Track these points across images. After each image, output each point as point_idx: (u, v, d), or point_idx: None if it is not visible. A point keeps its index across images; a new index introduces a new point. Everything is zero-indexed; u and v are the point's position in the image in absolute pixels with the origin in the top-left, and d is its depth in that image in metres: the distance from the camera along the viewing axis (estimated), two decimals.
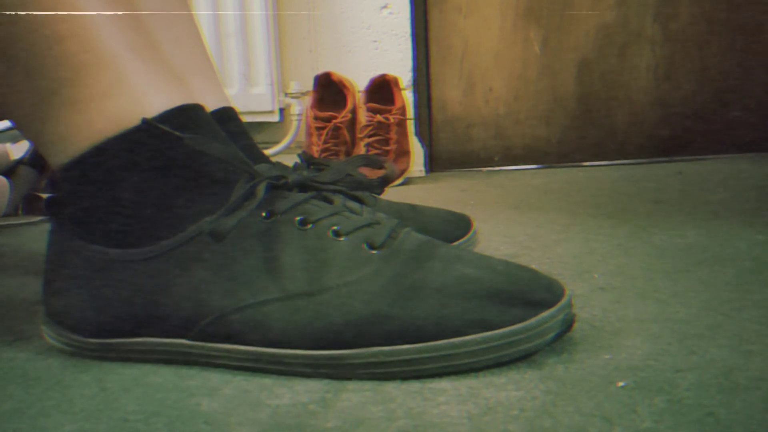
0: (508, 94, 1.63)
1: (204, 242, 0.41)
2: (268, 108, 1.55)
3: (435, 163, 1.68)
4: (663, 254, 0.65)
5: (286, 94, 1.60)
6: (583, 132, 1.59)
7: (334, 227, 0.42)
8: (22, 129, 0.46)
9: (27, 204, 1.12)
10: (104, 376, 0.41)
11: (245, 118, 1.56)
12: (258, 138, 1.63)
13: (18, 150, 1.13)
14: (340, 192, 0.48)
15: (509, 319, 0.38)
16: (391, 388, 0.37)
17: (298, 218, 0.42)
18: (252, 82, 1.55)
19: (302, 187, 0.45)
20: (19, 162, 1.12)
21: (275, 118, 1.57)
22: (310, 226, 0.42)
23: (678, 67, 1.53)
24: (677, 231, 0.75)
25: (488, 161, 1.66)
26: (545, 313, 0.38)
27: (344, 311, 0.38)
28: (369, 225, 0.43)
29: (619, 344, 0.42)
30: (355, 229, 0.42)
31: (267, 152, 1.59)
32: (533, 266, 0.43)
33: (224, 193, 0.42)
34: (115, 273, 0.42)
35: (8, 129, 1.17)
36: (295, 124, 1.60)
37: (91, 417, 0.35)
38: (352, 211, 0.44)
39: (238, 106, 1.65)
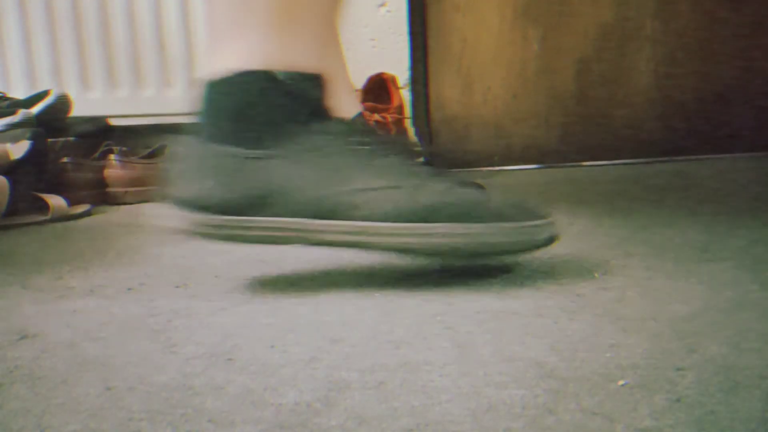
0: (507, 93, 1.63)
1: (315, 147, 0.54)
2: None
3: (434, 163, 1.68)
4: (663, 254, 0.65)
5: None
6: (583, 132, 1.60)
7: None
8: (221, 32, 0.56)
9: (27, 204, 1.12)
10: (109, 375, 0.41)
11: None
12: None
13: (18, 150, 1.13)
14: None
15: (526, 218, 0.56)
16: (394, 386, 0.37)
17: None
18: None
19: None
20: (19, 162, 1.12)
21: None
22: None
23: (678, 66, 1.53)
24: (677, 231, 0.75)
25: (488, 161, 1.66)
26: (543, 220, 0.57)
27: (417, 199, 0.54)
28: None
29: (619, 343, 0.42)
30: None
31: None
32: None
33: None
34: (247, 166, 0.54)
35: (8, 129, 1.17)
36: None
37: (96, 416, 0.36)
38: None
39: None
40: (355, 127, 0.57)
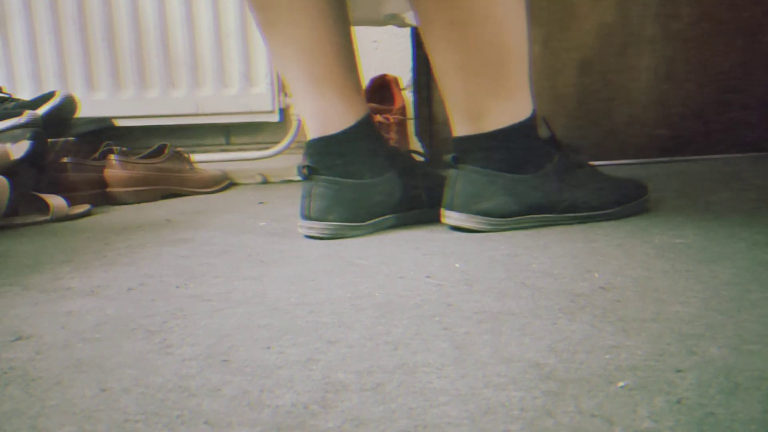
0: None
1: (555, 170, 0.82)
2: (268, 108, 1.55)
3: (435, 164, 1.68)
4: (663, 254, 0.65)
5: (286, 94, 1.60)
6: (584, 132, 1.59)
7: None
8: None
9: (27, 204, 1.12)
10: (104, 376, 0.41)
11: (245, 118, 1.56)
12: (258, 138, 1.63)
13: (18, 150, 1.13)
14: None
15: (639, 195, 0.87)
16: (392, 387, 0.37)
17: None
18: (252, 81, 1.55)
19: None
20: (19, 162, 1.12)
21: (275, 118, 1.57)
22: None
23: (678, 67, 1.53)
24: (677, 231, 0.75)
25: None
26: (646, 195, 0.88)
27: (610, 196, 0.84)
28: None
29: (619, 344, 0.42)
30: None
31: (267, 152, 1.59)
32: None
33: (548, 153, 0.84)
34: (520, 185, 0.81)
35: (8, 129, 1.17)
36: (295, 124, 1.60)
37: (91, 418, 0.35)
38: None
39: (238, 106, 1.64)
40: (570, 148, 0.87)
